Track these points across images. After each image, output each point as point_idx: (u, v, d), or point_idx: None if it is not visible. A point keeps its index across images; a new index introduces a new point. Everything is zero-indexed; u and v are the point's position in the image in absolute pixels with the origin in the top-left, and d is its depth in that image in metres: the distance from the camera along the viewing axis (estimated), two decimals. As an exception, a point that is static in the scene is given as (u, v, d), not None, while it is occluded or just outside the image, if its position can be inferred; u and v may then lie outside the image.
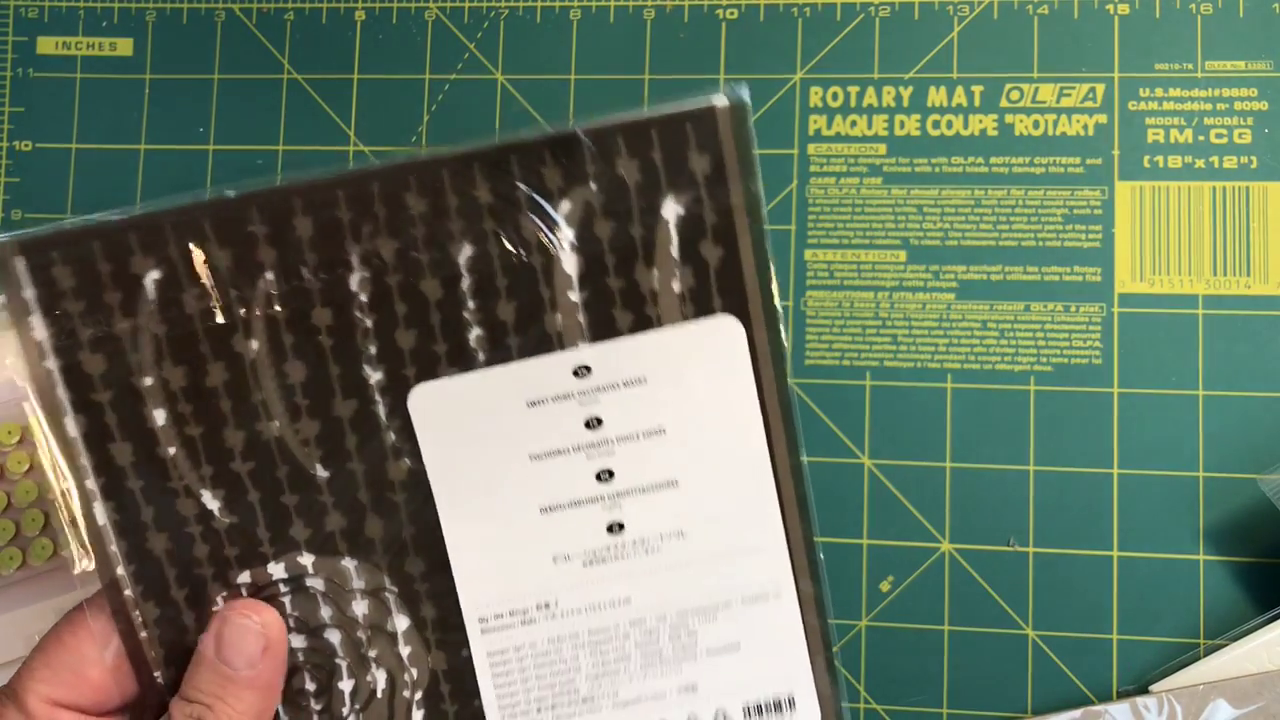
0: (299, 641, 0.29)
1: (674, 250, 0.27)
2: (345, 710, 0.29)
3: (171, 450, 0.28)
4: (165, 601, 0.29)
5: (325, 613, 0.29)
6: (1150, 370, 0.42)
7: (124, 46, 0.47)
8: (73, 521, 0.29)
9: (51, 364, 0.28)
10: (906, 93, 0.44)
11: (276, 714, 0.29)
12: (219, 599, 0.29)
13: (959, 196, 0.43)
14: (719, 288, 0.28)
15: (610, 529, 0.28)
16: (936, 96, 0.44)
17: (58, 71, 0.47)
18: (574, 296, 0.27)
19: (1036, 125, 0.44)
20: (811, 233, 0.44)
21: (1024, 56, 0.44)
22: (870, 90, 0.44)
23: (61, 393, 0.28)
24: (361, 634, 0.29)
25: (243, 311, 0.27)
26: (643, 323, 0.28)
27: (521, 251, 0.28)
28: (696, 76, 0.45)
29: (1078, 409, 0.42)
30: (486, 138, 0.27)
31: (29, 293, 0.27)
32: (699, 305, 0.27)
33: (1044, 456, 0.42)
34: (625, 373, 0.28)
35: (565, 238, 0.27)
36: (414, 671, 0.29)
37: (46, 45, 0.48)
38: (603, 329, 0.28)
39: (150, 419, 0.28)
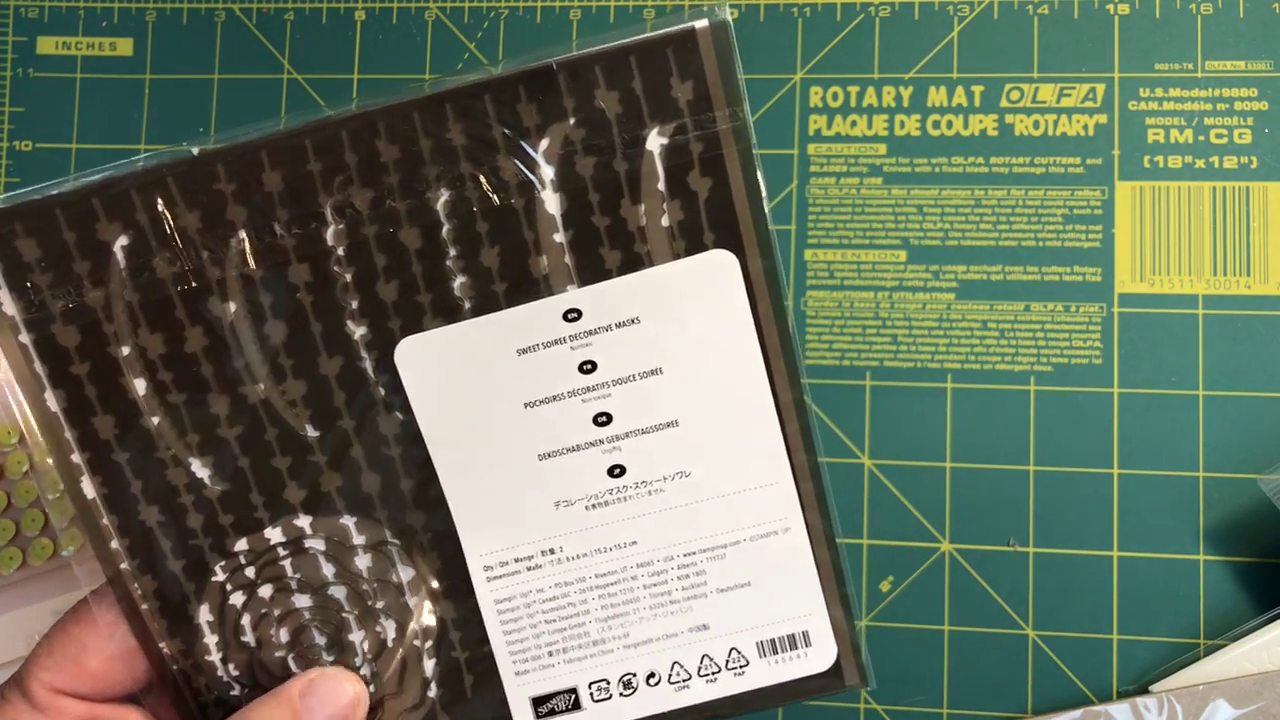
0: (304, 601, 0.29)
1: (660, 184, 0.27)
2: (358, 661, 0.29)
3: (155, 420, 0.28)
4: (163, 574, 0.28)
5: (328, 570, 0.29)
6: (1150, 370, 0.42)
7: (124, 46, 0.47)
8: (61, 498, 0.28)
9: (25, 339, 0.27)
10: (906, 93, 0.44)
11: (289, 669, 0.29)
12: (218, 569, 0.28)
13: (959, 196, 0.43)
14: (710, 220, 0.27)
15: (611, 472, 0.28)
16: (936, 96, 0.44)
17: (58, 71, 0.47)
18: (559, 238, 0.27)
19: (1036, 125, 0.44)
20: (811, 233, 0.44)
21: (1024, 56, 0.44)
22: (870, 90, 0.44)
23: (38, 367, 0.27)
24: (367, 587, 0.29)
25: (217, 273, 0.27)
26: (632, 261, 0.27)
27: (501, 194, 0.27)
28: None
29: (1078, 409, 0.42)
30: (458, 74, 0.26)
31: None
32: (690, 240, 0.27)
33: (1044, 456, 0.42)
34: (617, 314, 0.27)
35: (546, 176, 0.26)
36: (423, 621, 0.29)
37: (46, 45, 0.48)
38: (591, 270, 0.27)
39: (131, 389, 0.27)
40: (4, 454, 0.40)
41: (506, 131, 0.26)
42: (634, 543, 0.28)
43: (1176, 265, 0.43)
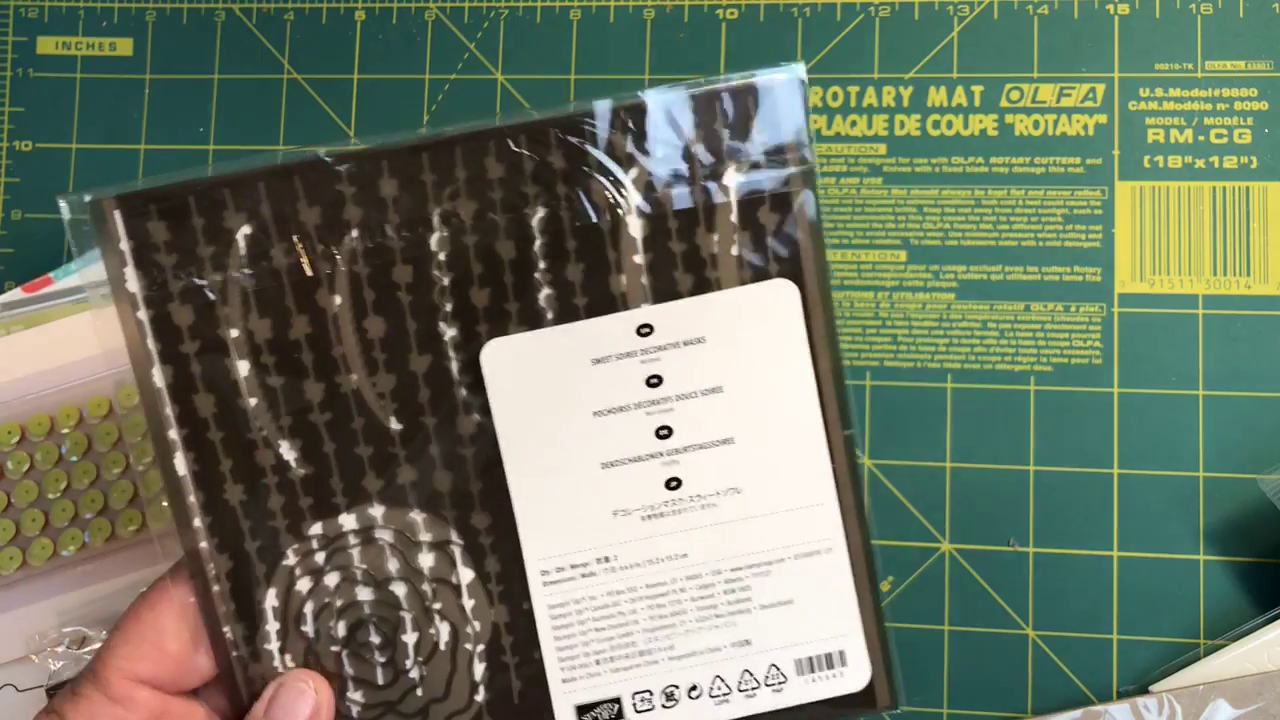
0: (367, 594, 0.30)
1: (734, 216, 0.29)
2: (409, 663, 0.30)
3: (253, 401, 0.29)
4: (238, 554, 0.29)
5: (393, 565, 0.29)
6: (1150, 370, 0.42)
7: (124, 46, 0.47)
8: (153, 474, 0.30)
9: (143, 315, 0.28)
10: (906, 93, 0.44)
11: (341, 665, 0.30)
12: (291, 552, 0.29)
13: (959, 196, 0.43)
14: (775, 252, 0.29)
15: (669, 484, 0.29)
16: (936, 96, 0.44)
17: (58, 71, 0.47)
18: (638, 259, 0.29)
19: (1036, 125, 0.44)
20: (811, 233, 0.44)
21: (1024, 56, 0.44)
22: (870, 90, 0.44)
23: (151, 343, 0.28)
24: (427, 586, 0.30)
25: (328, 267, 0.28)
26: (702, 285, 0.29)
27: (591, 215, 0.29)
28: (697, 76, 0.45)
29: (1078, 409, 0.42)
30: (561, 107, 0.29)
31: (125, 245, 0.28)
32: (756, 269, 0.29)
33: (1044, 456, 0.42)
34: (685, 332, 0.29)
35: (632, 202, 0.29)
36: (477, 624, 0.30)
37: (46, 45, 0.48)
38: (665, 291, 0.29)
39: (234, 370, 0.29)
40: (4, 454, 0.40)
41: (602, 159, 0.29)
42: (685, 555, 0.29)
43: (1176, 265, 0.43)
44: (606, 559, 0.29)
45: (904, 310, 0.43)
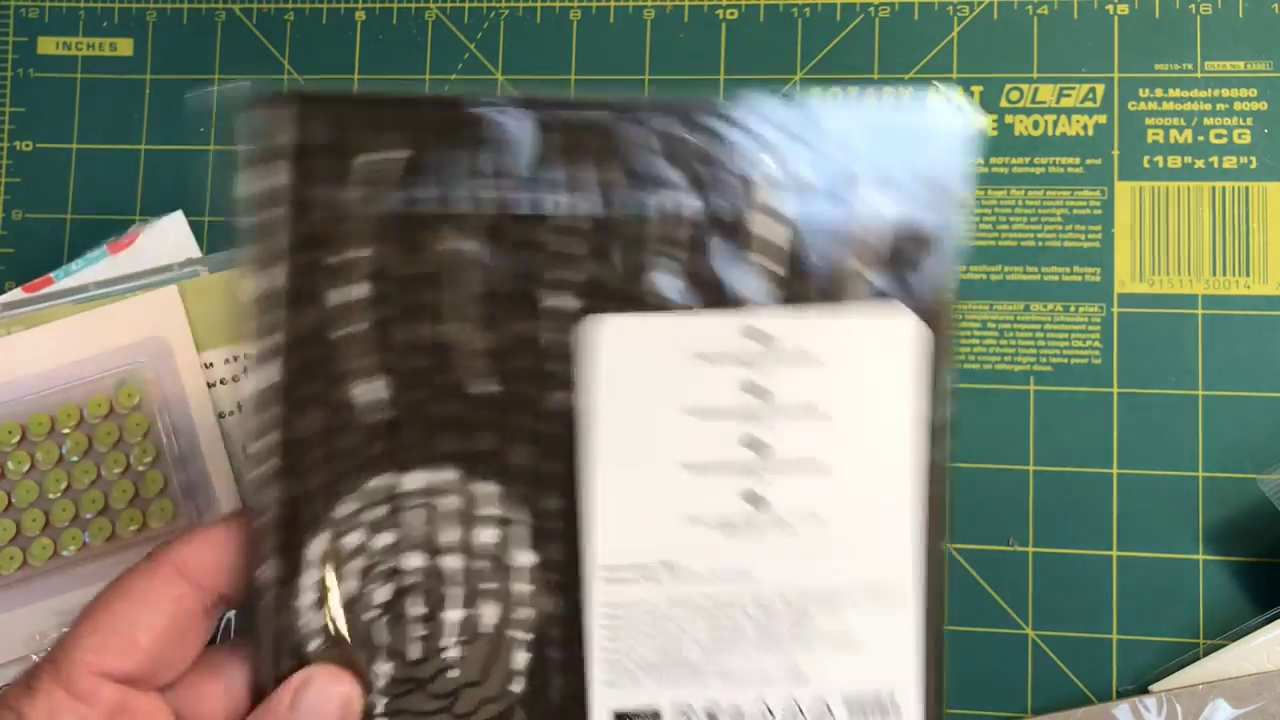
0: (419, 560, 0.28)
1: (877, 243, 0.28)
2: (447, 642, 0.28)
3: (359, 328, 0.28)
4: (298, 484, 0.28)
5: (452, 535, 0.28)
6: (1150, 370, 0.42)
7: (124, 47, 0.47)
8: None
9: (278, 211, 0.27)
10: (906, 93, 0.44)
11: (374, 632, 0.28)
12: (349, 499, 0.28)
13: (959, 196, 0.44)
14: (914, 290, 0.28)
15: (751, 499, 0.28)
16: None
17: (58, 72, 0.47)
18: (770, 264, 0.28)
19: (1036, 125, 0.44)
20: (811, 233, 0.44)
21: (1024, 57, 0.44)
22: (870, 91, 0.44)
23: (278, 240, 0.27)
24: (482, 564, 0.28)
25: (468, 208, 0.28)
26: (832, 305, 0.28)
27: (730, 211, 0.28)
28: (697, 77, 0.45)
29: (1078, 409, 0.42)
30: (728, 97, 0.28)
31: (285, 139, 0.27)
32: (888, 300, 0.28)
33: (1044, 456, 0.42)
34: (802, 348, 0.28)
35: (778, 207, 0.28)
36: (527, 611, 0.28)
37: (47, 45, 0.48)
38: (789, 300, 0.28)
39: (351, 291, 0.28)
40: (4, 454, 0.40)
41: (758, 157, 0.28)
42: (753, 574, 0.28)
43: (1176, 265, 0.43)
44: (671, 565, 0.28)
45: (904, 310, 0.43)
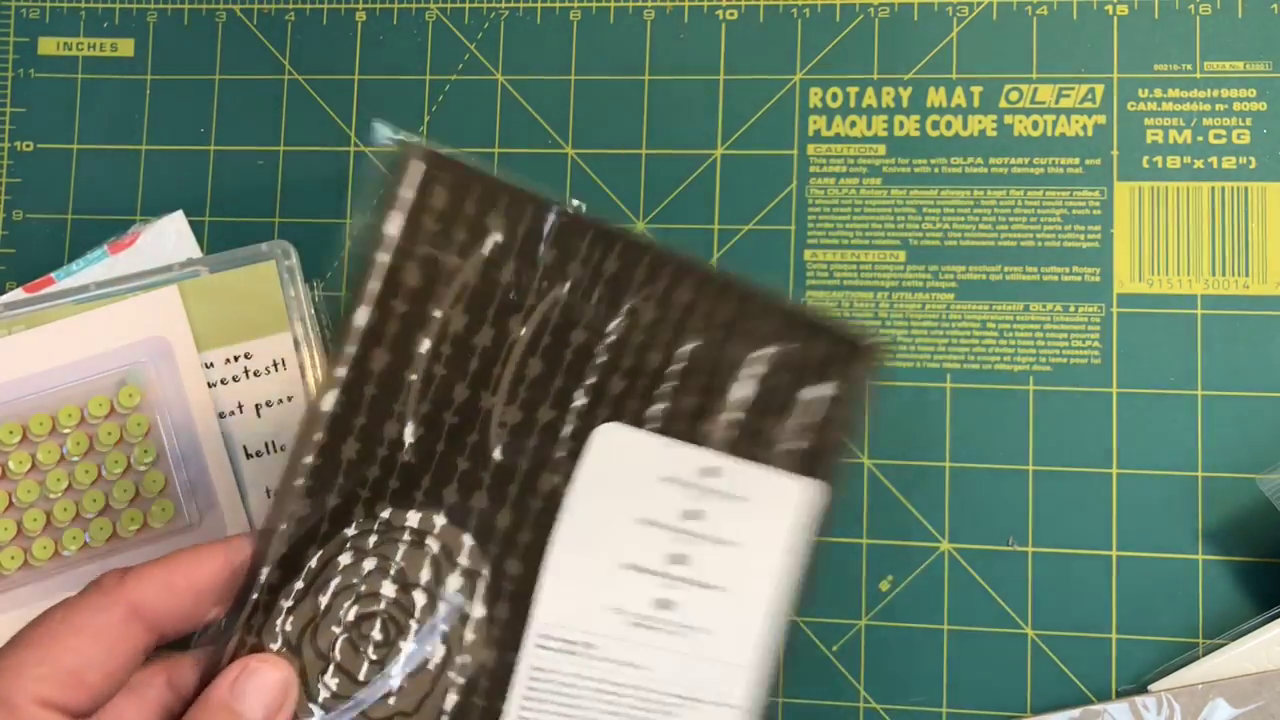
0: (390, 590, 0.31)
1: (801, 415, 0.32)
2: (395, 670, 0.30)
3: (413, 377, 0.31)
4: (318, 505, 0.31)
5: (426, 574, 0.31)
6: (1149, 370, 0.42)
7: (125, 47, 0.47)
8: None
9: (383, 258, 0.30)
10: (906, 93, 0.44)
11: (332, 647, 0.30)
12: (356, 524, 0.31)
13: (958, 197, 0.44)
14: (818, 457, 0.32)
15: (662, 602, 0.31)
16: (936, 97, 0.44)
17: (59, 72, 0.47)
18: (732, 417, 0.32)
19: (1036, 126, 0.44)
20: (811, 233, 0.44)
21: (1024, 57, 0.44)
22: (870, 91, 0.44)
23: (374, 284, 0.30)
24: (444, 605, 0.31)
25: (533, 300, 0.31)
26: (766, 459, 0.32)
27: (725, 371, 0.32)
28: (697, 77, 0.45)
29: (1077, 409, 0.42)
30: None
31: (407, 193, 0.30)
32: (804, 465, 0.32)
33: (1044, 456, 0.42)
34: (738, 488, 0.32)
35: (750, 376, 0.32)
36: (467, 658, 0.31)
37: (48, 46, 0.48)
38: (744, 449, 0.32)
39: (418, 344, 0.31)
40: (5, 453, 0.41)
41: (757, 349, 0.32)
42: (648, 669, 0.31)
43: (1175, 265, 0.43)
44: (590, 645, 0.31)
45: (903, 310, 0.43)
